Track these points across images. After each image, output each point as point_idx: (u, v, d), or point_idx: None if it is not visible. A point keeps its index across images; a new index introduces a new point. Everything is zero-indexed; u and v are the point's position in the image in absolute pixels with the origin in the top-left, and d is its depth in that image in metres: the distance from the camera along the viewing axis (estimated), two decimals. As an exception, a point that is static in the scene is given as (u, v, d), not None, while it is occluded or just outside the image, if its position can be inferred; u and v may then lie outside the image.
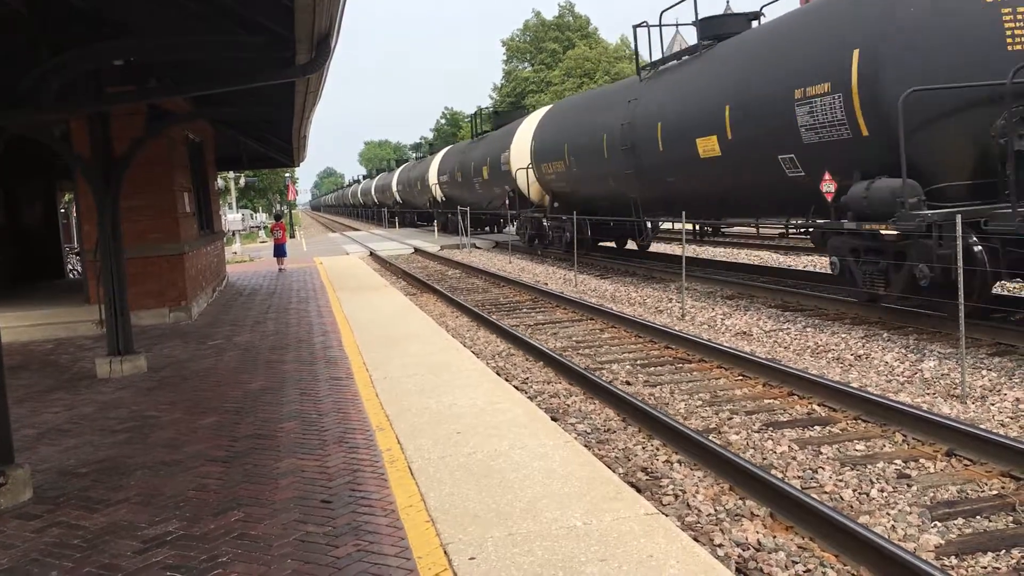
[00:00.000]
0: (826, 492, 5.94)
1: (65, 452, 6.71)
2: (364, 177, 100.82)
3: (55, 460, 6.50)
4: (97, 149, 9.49)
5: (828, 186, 11.88)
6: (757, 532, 5.33)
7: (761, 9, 16.10)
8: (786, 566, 4.88)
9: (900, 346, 10.32)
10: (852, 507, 5.68)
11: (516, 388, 8.68)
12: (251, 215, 76.90)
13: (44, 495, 5.71)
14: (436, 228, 43.27)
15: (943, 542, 5.05)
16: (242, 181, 54.77)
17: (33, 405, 8.50)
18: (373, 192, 71.05)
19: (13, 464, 5.72)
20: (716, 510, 5.74)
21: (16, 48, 6.90)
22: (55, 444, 6.97)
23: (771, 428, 7.45)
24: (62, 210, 25.73)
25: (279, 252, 25.38)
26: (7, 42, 6.80)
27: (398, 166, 65.01)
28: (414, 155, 79.61)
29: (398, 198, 56.11)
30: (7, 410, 5.80)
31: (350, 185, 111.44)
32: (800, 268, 18.46)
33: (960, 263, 8.54)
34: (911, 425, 7.03)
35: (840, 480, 6.14)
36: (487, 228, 41.18)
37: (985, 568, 4.76)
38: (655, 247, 24.87)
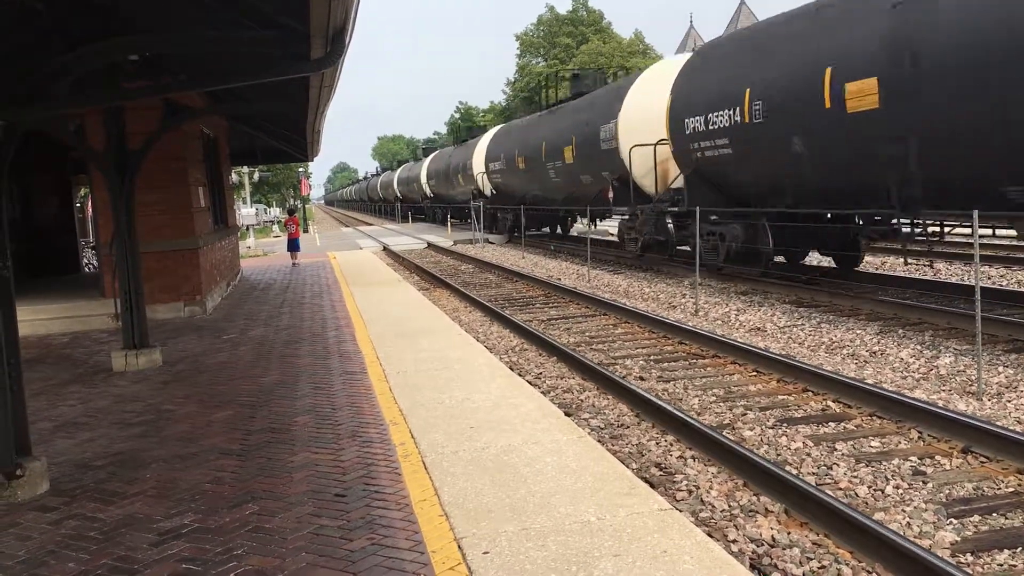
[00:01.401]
0: (841, 488, 5.92)
1: (81, 445, 6.76)
2: (380, 172, 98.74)
3: (71, 453, 6.55)
4: (112, 144, 9.52)
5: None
6: (771, 528, 5.31)
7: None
8: (801, 562, 4.87)
9: (916, 342, 10.26)
10: (867, 504, 5.66)
11: (529, 383, 8.68)
12: (265, 210, 77.12)
13: (61, 487, 5.75)
14: (449, 224, 43.30)
15: (959, 539, 5.02)
16: (256, 176, 54.91)
17: (50, 398, 8.56)
18: (425, 180, 53.56)
19: (30, 456, 5.76)
20: (730, 506, 5.72)
21: (30, 43, 6.93)
22: (71, 437, 7.02)
23: (785, 424, 7.43)
24: (78, 204, 25.86)
25: (292, 247, 25.46)
26: (21, 37, 6.82)
27: (463, 139, 51.42)
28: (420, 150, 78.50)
29: (487, 186, 39.22)
30: (24, 403, 5.84)
31: (377, 175, 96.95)
32: (815, 264, 18.37)
33: (976, 246, 8.48)
34: (927, 422, 7.00)
35: (855, 476, 6.12)
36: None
37: (1001, 565, 4.73)
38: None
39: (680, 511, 5.10)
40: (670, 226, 18.40)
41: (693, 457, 6.73)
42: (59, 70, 6.58)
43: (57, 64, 6.57)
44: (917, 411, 7.16)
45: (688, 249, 17.26)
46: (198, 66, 10.11)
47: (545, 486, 5.14)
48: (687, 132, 16.44)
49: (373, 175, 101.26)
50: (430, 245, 33.13)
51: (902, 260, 18.01)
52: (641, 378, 9.45)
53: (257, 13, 7.04)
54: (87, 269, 21.62)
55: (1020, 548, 4.87)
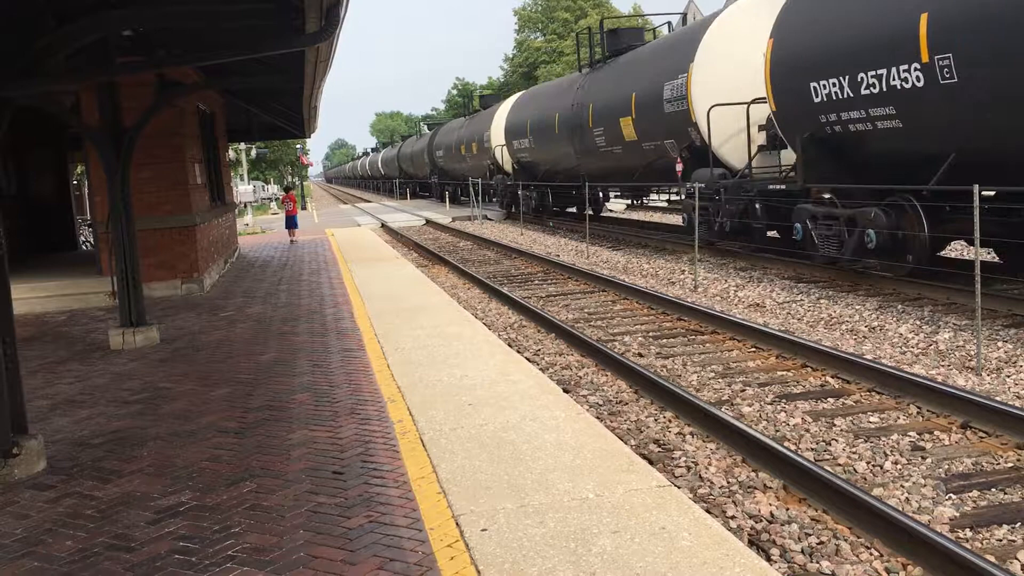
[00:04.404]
0: (839, 464, 5.91)
1: (78, 423, 6.74)
2: (379, 147, 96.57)
3: (68, 431, 6.53)
4: (107, 120, 9.44)
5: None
6: (770, 504, 5.31)
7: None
8: (799, 538, 4.86)
9: (915, 318, 10.24)
10: (866, 479, 5.65)
11: (528, 360, 8.66)
12: (263, 187, 76.86)
13: (58, 466, 5.73)
14: (447, 200, 43.17)
15: (958, 514, 5.01)
16: (253, 153, 54.71)
17: (46, 376, 8.54)
18: (432, 156, 48.39)
19: (27, 435, 5.74)
20: (729, 482, 5.71)
21: (21, 16, 6.84)
22: (68, 415, 7.00)
23: (784, 400, 7.42)
24: (74, 181, 25.76)
25: (290, 224, 25.37)
26: (13, 11, 6.74)
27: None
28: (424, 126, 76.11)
29: (507, 161, 32.16)
30: (20, 381, 5.82)
31: (377, 151, 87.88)
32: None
33: (977, 221, 8.42)
34: (926, 397, 6.98)
35: (854, 452, 6.11)
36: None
37: (1000, 541, 4.72)
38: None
39: (679, 488, 5.09)
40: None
41: (692, 433, 6.72)
42: (52, 45, 6.50)
43: (50, 39, 6.49)
44: (916, 386, 7.14)
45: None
46: (193, 41, 10.02)
47: (543, 463, 5.13)
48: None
49: (372, 150, 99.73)
50: (428, 222, 33.05)
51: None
52: (640, 354, 9.43)
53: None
54: (84, 246, 21.57)
55: (1019, 523, 4.87)
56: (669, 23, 25.29)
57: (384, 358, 8.29)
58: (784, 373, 8.32)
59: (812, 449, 6.23)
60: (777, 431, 6.66)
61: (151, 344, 9.83)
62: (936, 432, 6.41)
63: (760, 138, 15.70)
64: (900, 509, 4.89)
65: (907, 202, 11.35)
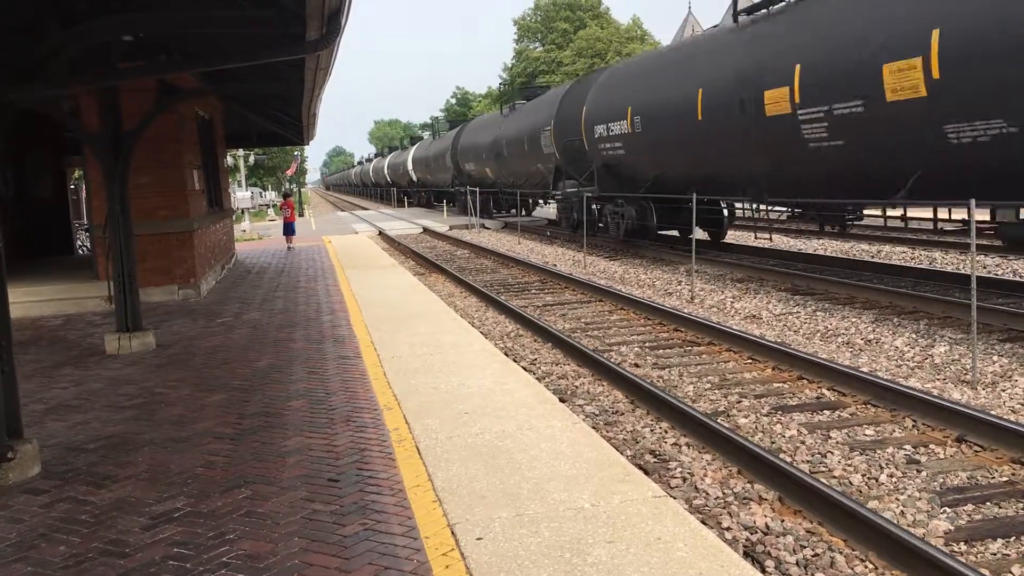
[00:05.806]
0: (835, 477, 5.92)
1: (73, 428, 6.73)
2: (385, 153, 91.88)
3: (63, 435, 6.52)
4: (106, 125, 9.45)
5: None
6: (765, 516, 5.31)
7: None
8: (794, 550, 4.87)
9: (911, 331, 10.26)
10: (861, 492, 5.66)
11: (524, 369, 8.66)
12: (260, 193, 76.77)
13: (52, 470, 5.72)
14: (445, 208, 43.18)
15: (953, 528, 5.02)
16: (251, 159, 54.75)
17: (42, 380, 8.52)
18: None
19: (22, 439, 5.73)
20: (724, 493, 5.72)
21: (25, 22, 6.85)
22: (63, 420, 6.99)
23: (780, 412, 7.42)
24: (72, 186, 25.73)
25: (288, 230, 25.34)
26: (15, 14, 6.75)
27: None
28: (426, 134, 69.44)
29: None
30: (16, 385, 5.81)
31: (403, 151, 63.65)
32: (810, 252, 18.37)
33: (973, 235, 8.46)
34: (921, 410, 6.99)
35: (849, 465, 6.11)
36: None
37: (995, 554, 4.73)
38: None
39: (674, 498, 5.09)
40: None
41: (688, 444, 6.72)
42: (54, 49, 6.52)
43: (52, 43, 6.51)
44: (912, 400, 7.15)
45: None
46: (193, 46, 10.03)
47: (539, 472, 5.13)
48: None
49: (387, 153, 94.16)
50: (426, 230, 33.05)
51: (899, 248, 18.01)
52: (636, 365, 9.43)
53: (253, -7, 6.96)
54: (81, 251, 21.54)
55: (1014, 537, 4.88)
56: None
57: (380, 365, 8.28)
58: (780, 385, 8.33)
59: (808, 461, 6.23)
60: (773, 443, 6.67)
61: (147, 349, 9.81)
62: (931, 445, 6.42)
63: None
64: (895, 522, 4.90)
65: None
